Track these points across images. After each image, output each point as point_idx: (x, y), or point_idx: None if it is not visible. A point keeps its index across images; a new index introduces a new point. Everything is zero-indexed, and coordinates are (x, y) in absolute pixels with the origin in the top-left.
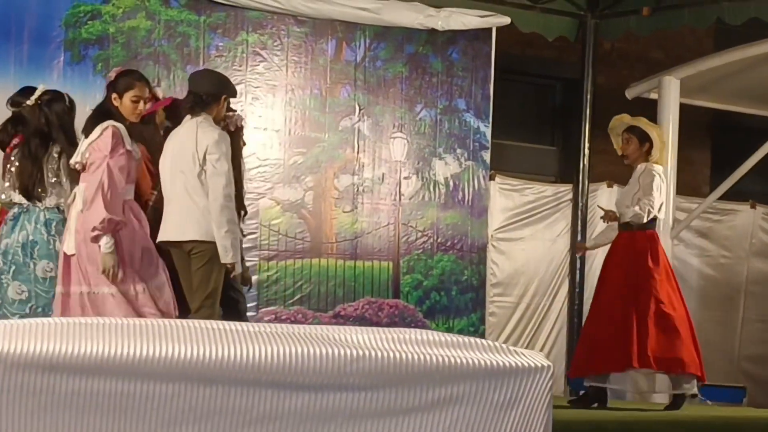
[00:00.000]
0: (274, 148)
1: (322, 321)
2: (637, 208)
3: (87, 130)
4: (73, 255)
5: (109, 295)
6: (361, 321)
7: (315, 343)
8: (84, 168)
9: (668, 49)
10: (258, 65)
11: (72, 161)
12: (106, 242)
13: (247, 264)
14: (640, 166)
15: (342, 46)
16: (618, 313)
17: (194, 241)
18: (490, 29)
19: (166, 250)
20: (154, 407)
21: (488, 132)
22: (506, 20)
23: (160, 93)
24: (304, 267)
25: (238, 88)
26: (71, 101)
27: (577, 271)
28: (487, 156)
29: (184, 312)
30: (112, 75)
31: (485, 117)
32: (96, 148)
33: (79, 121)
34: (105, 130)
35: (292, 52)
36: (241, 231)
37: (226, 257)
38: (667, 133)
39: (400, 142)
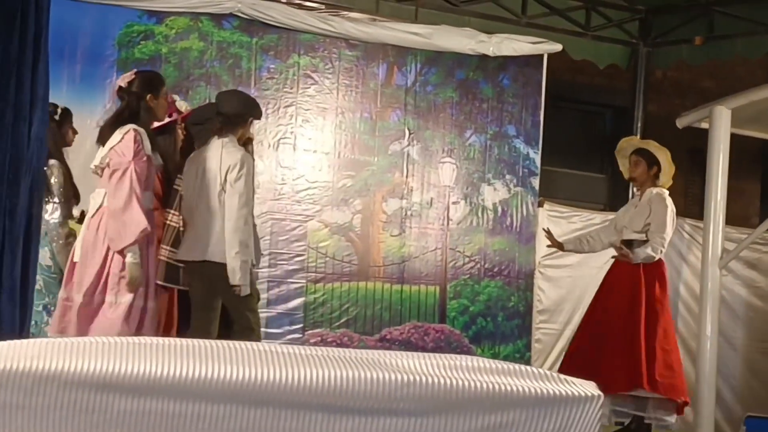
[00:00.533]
0: (324, 171)
1: (367, 344)
2: (649, 249)
3: (105, 136)
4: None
5: (107, 305)
6: (407, 345)
7: (366, 368)
8: (101, 174)
9: (720, 79)
10: (309, 88)
11: (92, 165)
12: (134, 253)
13: (294, 286)
14: (650, 191)
15: (393, 70)
16: (624, 335)
17: (207, 262)
18: (541, 56)
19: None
20: (205, 428)
21: (537, 158)
22: (558, 47)
23: (183, 106)
24: (351, 290)
25: (288, 110)
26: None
27: None
28: (536, 182)
29: (184, 327)
30: (129, 77)
31: (535, 143)
32: (118, 152)
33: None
34: (126, 134)
35: (344, 76)
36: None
37: (234, 279)
38: (718, 163)
39: (449, 167)
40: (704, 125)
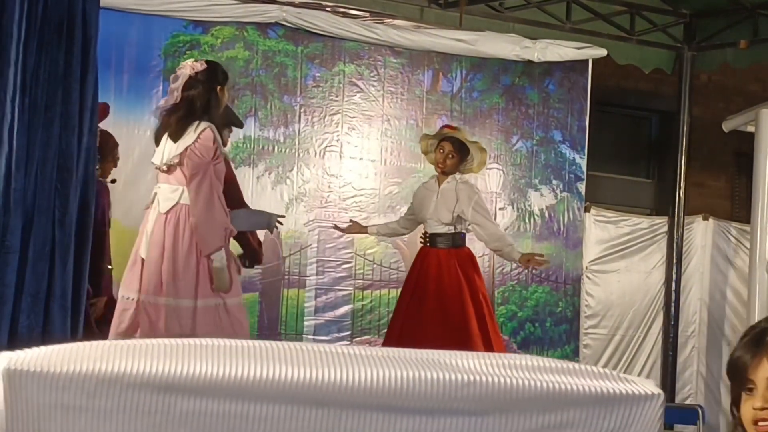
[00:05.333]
0: (370, 178)
1: None
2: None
3: (176, 132)
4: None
5: (163, 306)
6: None
7: (425, 368)
8: (168, 170)
9: (765, 82)
10: (354, 95)
11: (158, 162)
12: (221, 256)
13: (342, 293)
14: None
15: (438, 77)
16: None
17: None
18: (586, 61)
19: None
20: (266, 428)
21: (584, 164)
22: (603, 52)
23: None
24: (398, 297)
25: (334, 118)
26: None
27: (672, 304)
28: (582, 188)
29: None
30: (198, 66)
31: (581, 149)
32: (197, 153)
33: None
34: (203, 133)
35: (389, 83)
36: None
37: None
38: (765, 166)
39: (496, 173)
40: (750, 128)
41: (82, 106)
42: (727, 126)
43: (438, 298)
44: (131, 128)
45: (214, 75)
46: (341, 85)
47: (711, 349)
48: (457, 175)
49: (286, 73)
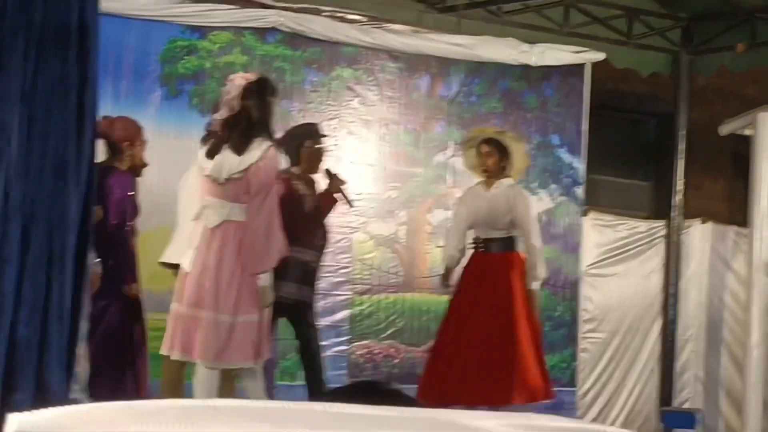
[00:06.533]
0: (368, 183)
1: (414, 355)
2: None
3: (240, 146)
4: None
5: (202, 320)
6: None
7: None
8: (222, 184)
9: (763, 85)
10: (352, 100)
11: (216, 174)
12: (267, 276)
13: (340, 298)
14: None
15: (436, 82)
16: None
17: None
18: (584, 65)
19: None
20: None
21: (582, 168)
22: (601, 56)
23: None
24: (397, 301)
25: (332, 123)
26: None
27: (671, 308)
28: (580, 191)
29: None
30: (252, 77)
31: (579, 152)
32: (263, 172)
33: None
34: (268, 152)
35: (387, 88)
36: None
37: None
38: (762, 169)
39: None
40: (748, 132)
41: (80, 115)
42: (724, 130)
43: (493, 301)
44: None
45: (265, 87)
46: (339, 90)
47: (710, 353)
48: (505, 180)
49: (284, 78)
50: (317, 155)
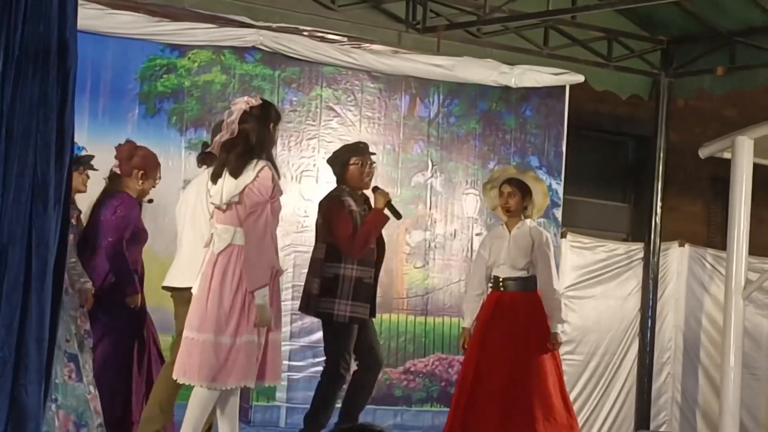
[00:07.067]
0: None
1: (391, 376)
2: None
3: (236, 169)
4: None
5: (202, 343)
6: (432, 377)
7: None
8: (225, 209)
9: (742, 108)
10: (332, 120)
11: (218, 201)
12: (264, 294)
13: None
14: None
15: (416, 102)
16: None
17: (188, 288)
18: (563, 87)
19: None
20: None
21: (560, 189)
22: (580, 78)
23: None
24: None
25: (311, 142)
26: None
27: (648, 330)
28: (558, 213)
29: None
30: (253, 102)
31: (557, 174)
32: (256, 192)
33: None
34: (262, 171)
35: (366, 108)
36: None
37: None
38: (741, 193)
39: (473, 199)
40: (726, 155)
41: (60, 136)
42: (703, 153)
43: (510, 341)
44: (107, 153)
45: (267, 113)
46: (318, 110)
47: (686, 376)
48: (527, 221)
49: (263, 98)
50: (365, 173)
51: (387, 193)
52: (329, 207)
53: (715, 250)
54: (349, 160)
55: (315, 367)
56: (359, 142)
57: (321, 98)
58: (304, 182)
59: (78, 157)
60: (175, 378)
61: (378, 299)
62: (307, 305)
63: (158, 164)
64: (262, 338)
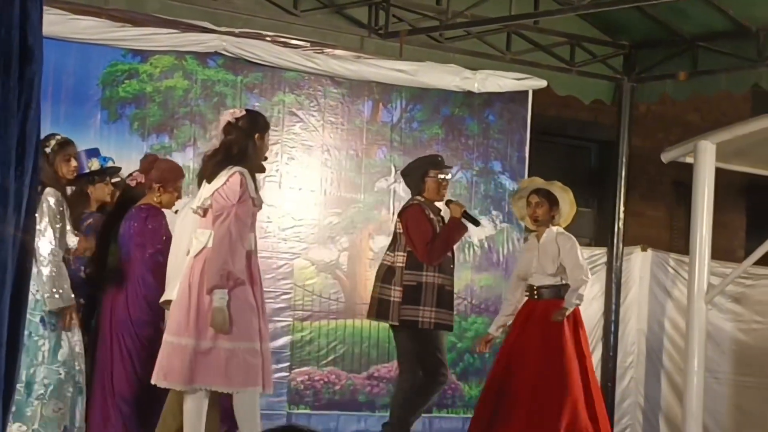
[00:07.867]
0: (310, 209)
1: (355, 382)
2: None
3: (211, 173)
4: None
5: (168, 344)
6: (395, 382)
7: None
8: (204, 214)
9: (705, 112)
10: (294, 125)
11: (193, 206)
12: (220, 296)
13: (281, 324)
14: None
15: (378, 108)
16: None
17: None
18: (526, 92)
19: None
20: None
21: None
22: (543, 83)
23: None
24: (338, 328)
25: (273, 148)
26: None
27: (611, 334)
28: None
29: None
30: (238, 113)
31: (521, 179)
32: (223, 195)
33: None
34: (232, 177)
35: (329, 113)
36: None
37: None
38: (703, 197)
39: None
40: (689, 159)
41: (22, 142)
42: (666, 157)
43: (541, 348)
44: None
45: (253, 123)
46: (281, 115)
47: (649, 380)
48: (554, 228)
49: (225, 103)
50: (441, 184)
51: (462, 204)
52: (411, 215)
53: (678, 255)
54: (428, 173)
55: (279, 372)
56: (437, 155)
57: (284, 104)
58: (267, 187)
59: (104, 168)
60: (154, 382)
61: (341, 305)
62: (384, 312)
63: (178, 177)
64: (256, 344)
